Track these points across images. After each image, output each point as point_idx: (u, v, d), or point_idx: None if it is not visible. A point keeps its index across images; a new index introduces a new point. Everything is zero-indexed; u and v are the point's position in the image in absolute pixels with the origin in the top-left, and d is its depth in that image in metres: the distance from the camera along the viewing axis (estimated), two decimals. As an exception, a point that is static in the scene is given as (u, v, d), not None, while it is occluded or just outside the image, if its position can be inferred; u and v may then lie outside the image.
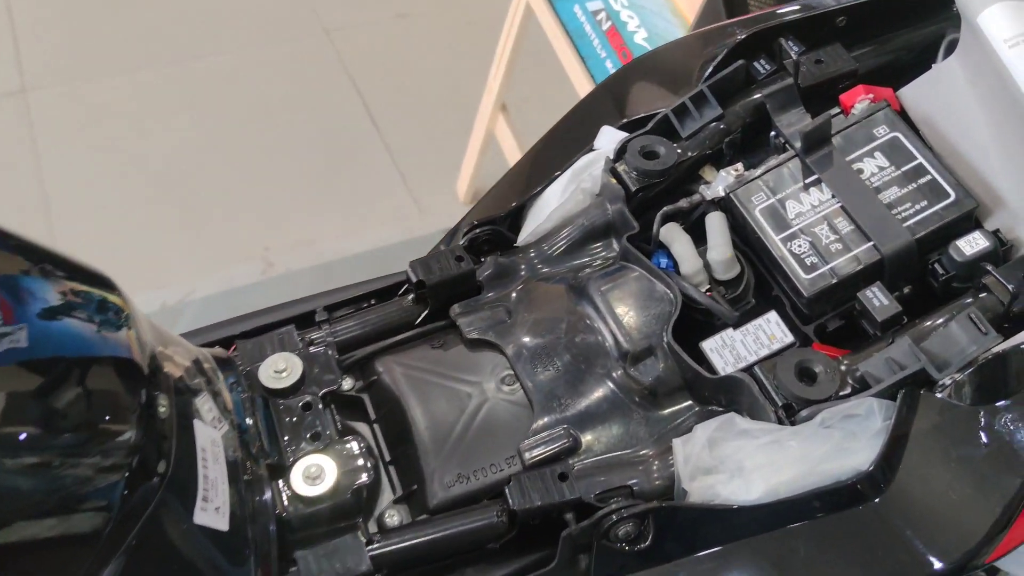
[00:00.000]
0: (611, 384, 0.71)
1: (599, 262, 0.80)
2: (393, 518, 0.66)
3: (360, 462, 0.65)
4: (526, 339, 0.74)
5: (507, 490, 0.64)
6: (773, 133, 0.78)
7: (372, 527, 0.66)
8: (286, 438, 0.67)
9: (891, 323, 0.68)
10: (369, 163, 2.28)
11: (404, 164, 2.27)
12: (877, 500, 0.60)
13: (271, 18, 2.57)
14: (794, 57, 0.79)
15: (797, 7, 0.86)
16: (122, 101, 2.33)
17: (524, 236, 0.83)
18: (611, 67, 1.42)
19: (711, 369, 0.70)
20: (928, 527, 0.59)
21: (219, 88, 2.37)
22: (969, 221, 0.71)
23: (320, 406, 0.68)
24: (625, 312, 0.73)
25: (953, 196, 0.71)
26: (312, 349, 0.73)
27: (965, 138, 0.74)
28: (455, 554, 0.65)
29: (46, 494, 0.47)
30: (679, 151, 0.80)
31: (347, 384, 0.74)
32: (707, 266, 0.75)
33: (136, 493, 0.50)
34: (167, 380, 0.57)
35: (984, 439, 0.59)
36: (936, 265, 0.70)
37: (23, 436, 0.47)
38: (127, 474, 0.50)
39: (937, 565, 0.58)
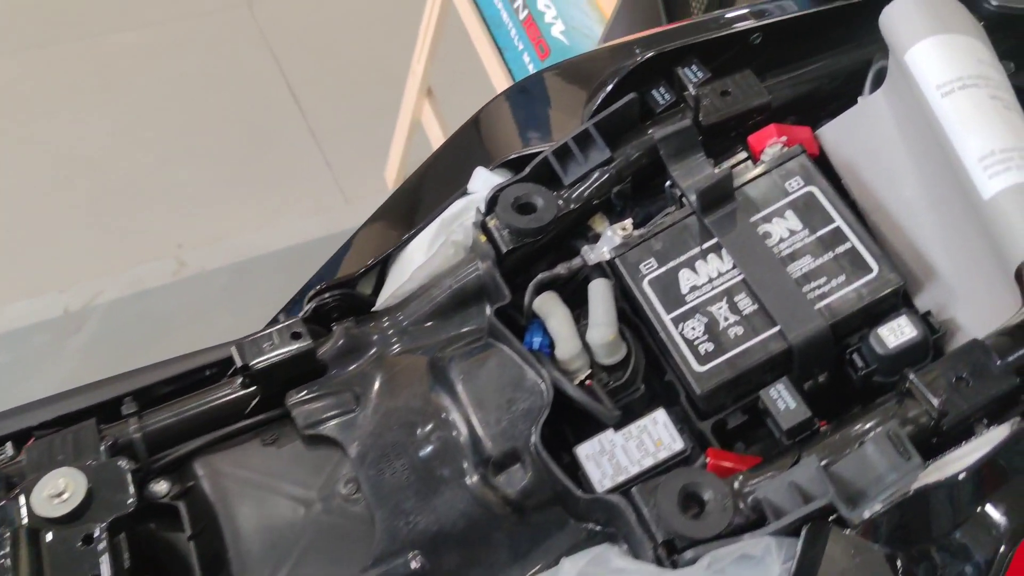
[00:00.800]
0: (470, 495, 0.59)
1: (469, 333, 0.67)
2: None
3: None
4: (375, 434, 0.62)
5: None
6: (669, 182, 0.66)
7: None
8: None
9: (799, 430, 0.57)
10: (292, 148, 2.12)
11: (329, 149, 2.12)
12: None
13: (190, -12, 2.39)
14: (692, 91, 0.66)
15: (709, 19, 0.73)
16: (20, 80, 2.15)
17: (384, 298, 0.70)
18: (528, 62, 1.28)
19: (587, 480, 0.58)
20: None
21: (130, 65, 2.19)
22: (896, 298, 0.59)
23: (105, 540, 0.56)
24: (487, 405, 0.61)
25: (876, 271, 0.59)
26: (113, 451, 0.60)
27: (893, 191, 0.62)
28: None
29: None
30: (561, 202, 0.67)
31: (162, 488, 0.61)
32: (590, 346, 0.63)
33: None
34: None
35: (901, 592, 0.48)
36: (855, 356, 0.59)
37: None
38: None
39: None
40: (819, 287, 0.60)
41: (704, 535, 0.52)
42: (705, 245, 0.62)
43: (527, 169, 0.68)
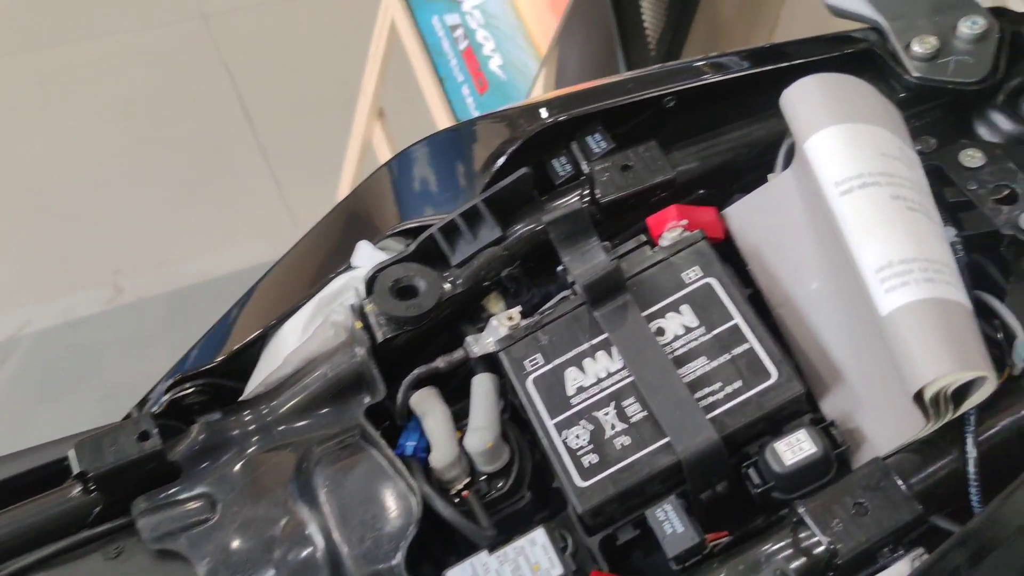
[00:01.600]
0: (328, 626, 0.54)
1: (346, 430, 0.61)
2: None
3: None
4: (228, 550, 0.56)
5: None
6: (561, 267, 0.60)
7: None
8: None
9: (687, 556, 0.51)
10: (241, 166, 2.06)
11: (280, 168, 2.06)
12: None
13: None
14: (586, 168, 0.61)
15: (622, 81, 0.67)
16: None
17: (253, 386, 0.64)
18: (467, 94, 1.23)
19: (457, 607, 0.53)
20: None
21: (70, 80, 2.12)
22: (798, 405, 0.54)
23: None
24: (351, 521, 0.55)
25: (775, 377, 0.54)
26: None
27: (800, 283, 0.57)
28: None
29: None
30: (447, 284, 0.61)
31: None
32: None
33: None
34: None
35: None
36: (751, 471, 0.53)
37: None
38: None
39: None
40: (713, 393, 0.54)
41: None
42: (594, 341, 0.57)
43: (411, 247, 0.62)
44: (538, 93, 1.29)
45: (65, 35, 2.21)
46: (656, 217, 0.60)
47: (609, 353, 0.56)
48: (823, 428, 0.53)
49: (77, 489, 0.58)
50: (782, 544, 0.50)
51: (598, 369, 0.56)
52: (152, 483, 0.59)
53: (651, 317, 0.57)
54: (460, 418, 0.59)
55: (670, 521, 0.52)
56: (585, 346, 0.57)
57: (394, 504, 0.55)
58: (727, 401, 0.54)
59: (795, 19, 1.58)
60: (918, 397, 0.47)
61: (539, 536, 0.54)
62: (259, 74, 2.19)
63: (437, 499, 0.55)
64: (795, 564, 0.49)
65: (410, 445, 0.58)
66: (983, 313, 0.56)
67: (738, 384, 0.54)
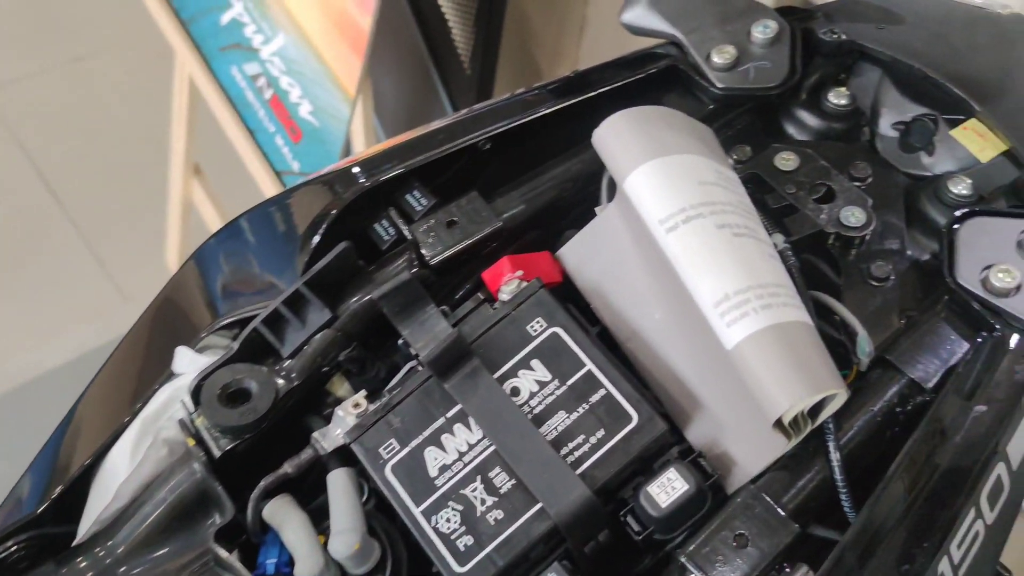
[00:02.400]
0: None
1: (200, 556, 0.56)
2: None
3: None
4: None
5: None
6: (402, 340, 0.57)
7: None
8: None
9: (576, 619, 0.49)
10: (55, 248, 1.91)
11: (98, 243, 1.93)
12: None
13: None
14: (407, 232, 0.58)
15: (436, 131, 0.64)
16: None
17: (86, 527, 0.58)
18: (282, 144, 1.17)
19: None
20: None
21: None
22: (664, 441, 0.53)
23: None
24: (218, 661, 0.50)
25: (636, 419, 0.52)
26: None
27: (644, 314, 0.56)
28: None
29: None
30: (282, 379, 0.57)
31: None
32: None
33: None
34: None
35: None
36: (629, 518, 0.52)
37: None
38: None
39: None
40: (578, 447, 0.52)
41: None
42: (449, 414, 0.54)
43: (235, 346, 0.57)
44: (358, 134, 1.25)
45: None
46: (491, 271, 0.58)
47: (467, 424, 0.54)
48: (692, 461, 0.52)
49: None
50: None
51: (458, 443, 0.53)
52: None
53: (503, 378, 0.54)
54: (323, 517, 0.55)
55: (555, 588, 0.50)
56: (441, 421, 0.54)
57: (261, 634, 0.51)
58: (593, 452, 0.52)
59: (602, 17, 1.60)
60: (777, 423, 0.47)
61: (427, 633, 0.50)
62: (57, 145, 2.05)
63: (305, 621, 0.50)
64: (687, 612, 0.48)
65: (270, 563, 0.53)
66: (823, 313, 0.57)
67: (601, 433, 0.52)
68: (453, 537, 0.51)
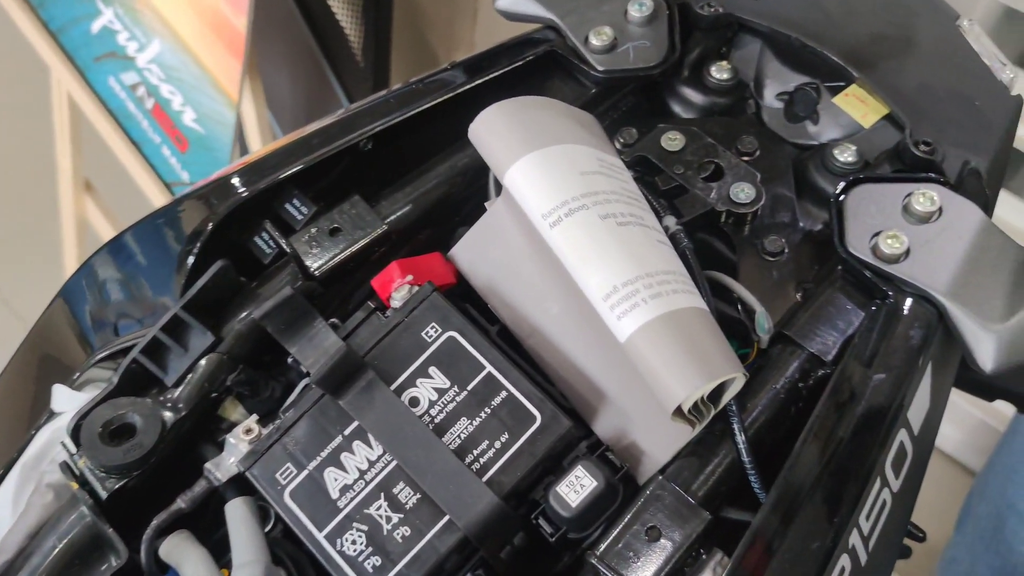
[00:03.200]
0: None
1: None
2: None
3: None
4: None
5: None
6: (291, 358, 0.55)
7: None
8: None
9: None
10: (-58, 280, 1.82)
11: (-11, 270, 1.84)
12: None
13: None
14: (286, 245, 0.55)
15: (305, 138, 0.62)
16: None
17: (-29, 587, 0.54)
18: (170, 155, 1.12)
19: None
20: None
21: None
22: (570, 439, 0.52)
23: None
24: None
25: (540, 419, 0.51)
26: None
27: (540, 309, 0.54)
28: None
29: None
30: (166, 412, 0.54)
31: None
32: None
33: None
34: None
35: None
36: (541, 521, 0.50)
37: None
38: None
39: None
40: (483, 453, 0.51)
41: None
42: (347, 432, 0.52)
43: (114, 379, 0.54)
44: (253, 136, 1.21)
45: None
46: (380, 278, 0.55)
47: (366, 441, 0.51)
48: (600, 455, 0.51)
49: None
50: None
51: (358, 462, 0.51)
52: None
53: (401, 389, 0.52)
54: (225, 550, 0.53)
55: (469, 601, 0.48)
56: (338, 440, 0.52)
57: None
58: (498, 458, 0.51)
59: (494, 0, 1.58)
60: (677, 412, 0.46)
61: (339, 663, 0.48)
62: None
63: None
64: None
65: (171, 606, 0.50)
66: (721, 293, 0.56)
67: (505, 437, 0.51)
68: (360, 559, 0.49)
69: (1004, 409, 1.51)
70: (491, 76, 0.61)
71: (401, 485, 0.50)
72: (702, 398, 0.47)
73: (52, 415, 0.56)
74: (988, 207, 0.59)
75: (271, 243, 0.58)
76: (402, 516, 0.50)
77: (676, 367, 0.44)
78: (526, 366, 0.55)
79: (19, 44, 1.58)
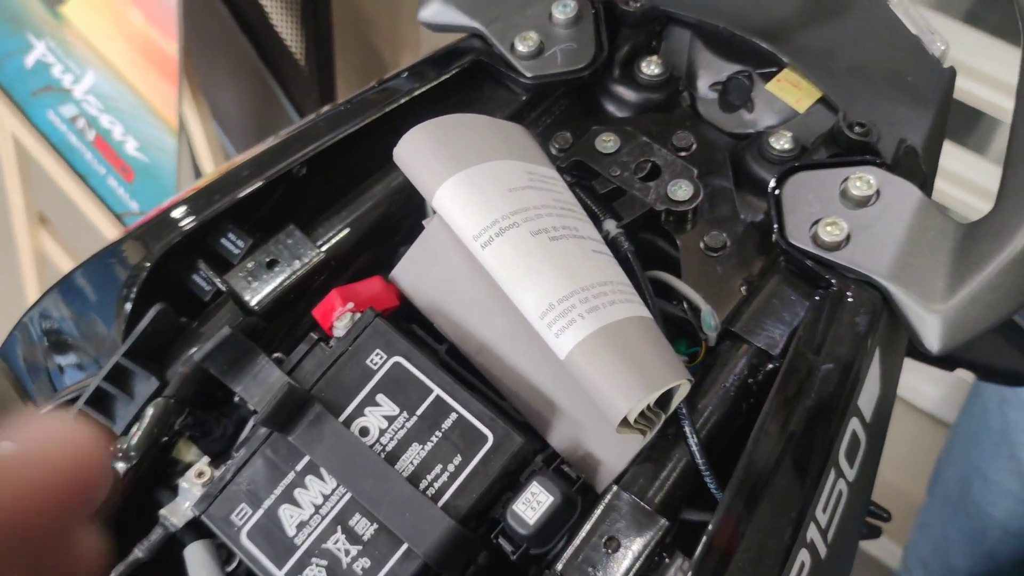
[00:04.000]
0: None
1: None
2: None
3: None
4: None
5: None
6: (238, 397, 0.54)
7: None
8: None
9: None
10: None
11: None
12: None
13: None
14: (219, 283, 0.54)
15: (234, 171, 0.60)
16: None
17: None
18: (117, 186, 1.11)
19: None
20: None
21: None
22: (524, 455, 0.51)
23: None
24: None
25: (492, 438, 0.50)
26: None
27: (486, 324, 0.54)
28: None
29: None
30: (118, 463, 0.53)
31: None
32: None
33: None
34: None
35: None
36: (501, 540, 0.50)
37: None
38: None
39: None
40: (437, 478, 0.50)
41: None
42: (299, 467, 0.51)
43: (61, 434, 0.53)
44: (204, 158, 1.19)
45: None
46: (320, 308, 0.55)
47: (319, 475, 0.51)
48: (556, 468, 0.51)
49: None
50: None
51: (313, 496, 0.51)
52: None
53: (350, 419, 0.52)
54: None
55: (433, 630, 0.48)
56: (291, 476, 0.51)
57: None
58: (453, 481, 0.50)
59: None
60: (624, 423, 0.45)
61: None
62: None
63: None
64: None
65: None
66: (666, 293, 0.56)
67: (458, 459, 0.50)
68: (322, 596, 0.49)
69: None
70: (421, 91, 0.60)
71: (357, 516, 0.50)
72: (649, 406, 0.46)
73: None
74: (926, 184, 0.59)
75: (209, 281, 0.57)
76: (361, 548, 0.49)
77: (617, 381, 0.44)
78: (478, 383, 0.55)
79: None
